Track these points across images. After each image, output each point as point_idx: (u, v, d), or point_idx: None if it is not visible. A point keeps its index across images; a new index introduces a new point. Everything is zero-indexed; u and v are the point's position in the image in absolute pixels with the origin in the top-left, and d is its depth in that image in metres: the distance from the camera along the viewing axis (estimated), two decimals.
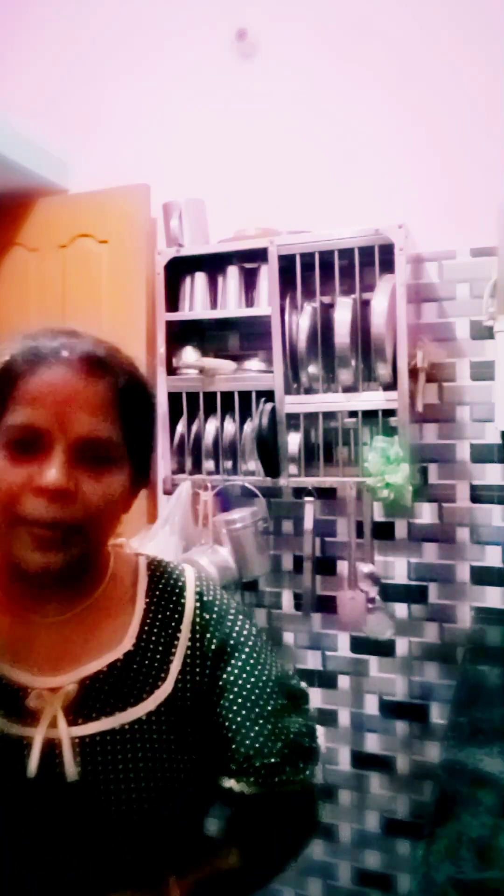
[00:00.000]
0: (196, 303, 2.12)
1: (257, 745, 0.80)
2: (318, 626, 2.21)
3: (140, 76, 2.36)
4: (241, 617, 0.88)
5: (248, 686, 0.83)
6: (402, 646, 2.13)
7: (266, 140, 2.21)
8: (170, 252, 2.09)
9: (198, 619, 0.85)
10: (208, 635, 0.84)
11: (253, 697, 0.82)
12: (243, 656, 0.84)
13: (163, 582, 0.87)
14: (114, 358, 0.78)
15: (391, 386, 1.86)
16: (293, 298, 1.95)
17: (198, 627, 0.84)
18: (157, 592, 0.86)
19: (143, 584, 0.86)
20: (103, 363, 0.76)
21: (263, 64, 2.22)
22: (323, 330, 1.91)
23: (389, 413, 1.88)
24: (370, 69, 2.11)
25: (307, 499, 2.02)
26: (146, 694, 0.79)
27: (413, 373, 1.86)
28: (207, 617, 0.86)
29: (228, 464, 2.06)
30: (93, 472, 0.73)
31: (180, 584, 0.87)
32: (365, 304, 1.87)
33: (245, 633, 0.87)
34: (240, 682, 0.83)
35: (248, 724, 0.81)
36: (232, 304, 2.08)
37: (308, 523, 2.03)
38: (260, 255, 1.99)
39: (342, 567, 2.14)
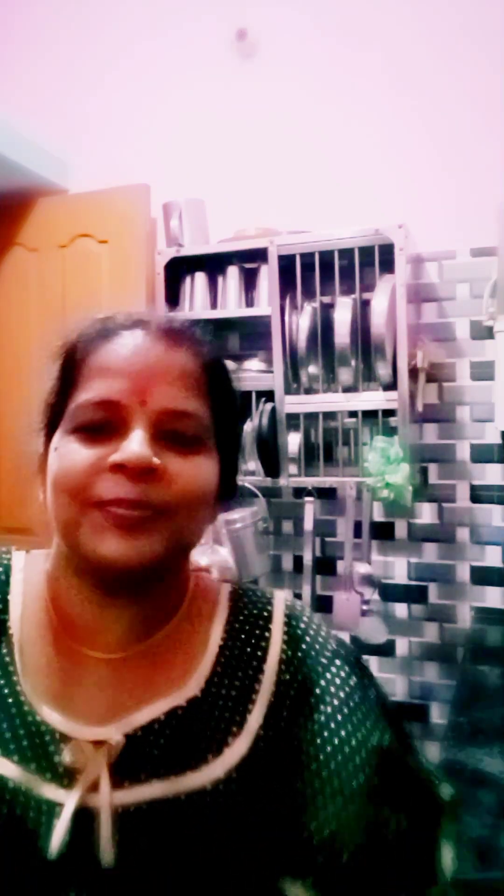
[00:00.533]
0: (196, 303, 2.12)
1: (325, 835, 0.57)
2: None
3: (140, 76, 2.36)
4: (338, 660, 0.67)
5: (328, 749, 0.61)
6: (402, 646, 2.13)
7: (266, 140, 2.21)
8: (170, 252, 2.09)
9: (284, 657, 0.66)
10: (299, 677, 0.65)
11: (332, 766, 0.60)
12: (329, 709, 0.63)
13: (245, 613, 0.70)
14: (195, 330, 0.68)
15: (391, 386, 1.86)
16: (293, 298, 1.95)
17: (284, 667, 0.66)
18: (237, 626, 0.69)
19: (221, 615, 0.69)
20: (184, 332, 0.66)
21: (263, 64, 2.22)
22: (323, 330, 1.91)
23: (389, 413, 1.88)
24: (370, 69, 2.11)
25: (307, 499, 2.02)
26: (213, 754, 0.61)
27: (413, 373, 1.86)
28: (297, 654, 0.67)
29: None
30: (180, 452, 0.61)
31: (265, 613, 0.69)
32: (365, 304, 1.87)
33: (339, 678, 0.65)
34: (317, 741, 0.61)
35: (318, 801, 0.59)
36: (232, 304, 2.08)
37: (308, 523, 2.03)
38: (260, 255, 1.99)
39: (342, 567, 2.14)
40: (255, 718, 0.63)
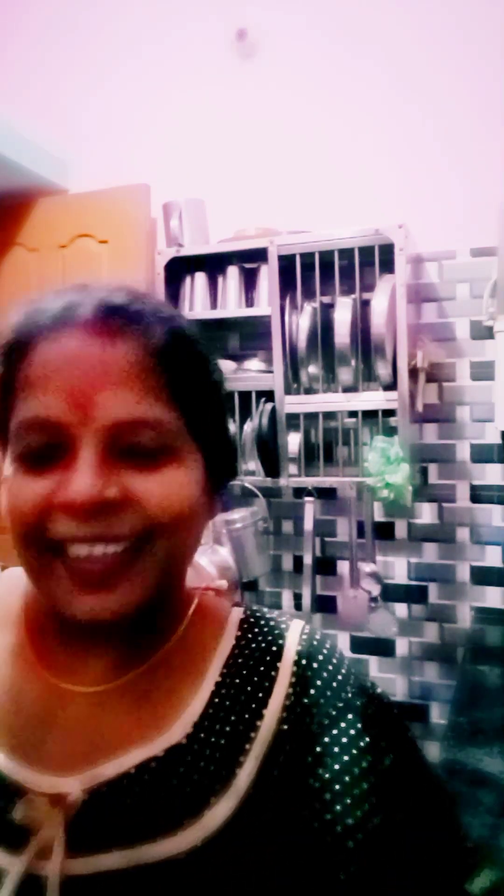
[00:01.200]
0: (196, 303, 2.12)
1: None
2: (319, 627, 2.20)
3: (140, 76, 2.35)
4: (349, 714, 0.55)
5: (318, 827, 0.51)
6: (402, 646, 2.13)
7: (266, 140, 2.21)
8: (170, 252, 2.09)
9: (288, 703, 0.55)
10: (302, 729, 0.54)
11: (322, 847, 0.51)
12: (326, 775, 0.52)
13: (252, 645, 0.58)
14: (143, 305, 0.53)
15: (391, 386, 1.86)
16: (293, 298, 1.95)
17: (286, 714, 0.55)
18: (241, 659, 0.58)
19: (225, 646, 0.59)
20: (128, 313, 0.52)
21: (263, 64, 2.22)
22: (323, 330, 1.91)
23: (389, 413, 1.88)
24: (370, 69, 2.11)
25: (307, 499, 2.02)
26: (190, 818, 0.50)
27: (413, 373, 1.86)
28: (303, 700, 0.55)
29: None
30: (144, 468, 0.50)
31: (275, 648, 0.58)
32: (365, 304, 1.87)
33: (346, 738, 0.54)
34: (309, 813, 0.52)
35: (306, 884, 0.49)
36: (232, 304, 2.08)
37: (308, 523, 2.03)
38: (260, 255, 1.99)
39: (342, 567, 2.14)
40: (245, 774, 0.52)
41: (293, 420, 1.98)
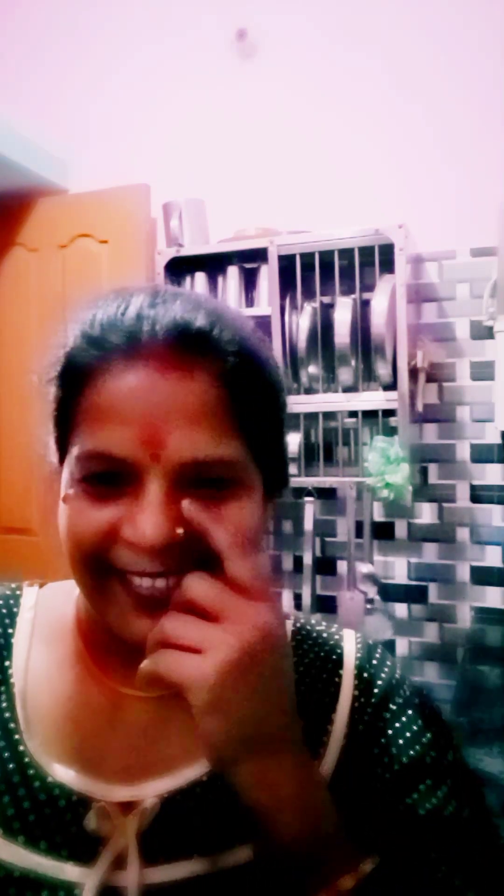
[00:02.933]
0: None
1: None
2: None
3: (140, 76, 2.35)
4: (409, 710, 0.58)
5: (393, 815, 0.52)
6: (402, 646, 2.13)
7: (266, 140, 2.21)
8: (170, 252, 2.09)
9: (357, 705, 0.57)
10: (370, 727, 0.56)
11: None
12: (396, 766, 0.54)
13: (312, 654, 0.60)
14: (222, 328, 0.51)
15: (391, 386, 1.86)
16: (293, 298, 1.95)
17: (357, 717, 0.57)
18: (302, 668, 0.59)
19: None
20: (207, 339, 0.49)
21: (264, 64, 2.22)
22: (323, 330, 1.91)
23: (389, 413, 1.88)
24: (370, 69, 2.11)
25: (307, 499, 2.02)
26: None
27: (413, 373, 1.86)
28: (370, 700, 0.58)
29: None
30: (213, 501, 0.49)
31: (335, 656, 0.60)
32: (365, 304, 1.87)
33: (411, 732, 0.56)
34: (383, 804, 0.53)
35: None
36: (232, 304, 2.07)
37: (308, 523, 2.03)
38: (260, 255, 1.99)
39: (342, 567, 2.14)
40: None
41: (293, 420, 1.98)
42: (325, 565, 2.18)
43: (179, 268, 2.12)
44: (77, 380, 0.50)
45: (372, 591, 1.98)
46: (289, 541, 2.21)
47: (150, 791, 0.51)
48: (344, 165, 2.13)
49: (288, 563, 2.23)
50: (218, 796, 0.51)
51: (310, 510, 2.02)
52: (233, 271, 2.08)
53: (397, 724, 0.57)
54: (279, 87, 2.21)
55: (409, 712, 0.58)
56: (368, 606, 1.95)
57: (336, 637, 0.62)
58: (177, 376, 0.48)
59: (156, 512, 0.47)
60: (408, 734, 0.56)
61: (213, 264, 2.11)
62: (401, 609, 2.12)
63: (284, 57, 2.20)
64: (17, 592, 0.63)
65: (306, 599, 2.04)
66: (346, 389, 1.92)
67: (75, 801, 0.51)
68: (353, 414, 1.94)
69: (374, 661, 0.61)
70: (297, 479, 1.99)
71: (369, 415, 1.92)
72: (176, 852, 0.49)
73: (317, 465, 2.00)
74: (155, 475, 0.47)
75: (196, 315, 0.50)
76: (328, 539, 2.19)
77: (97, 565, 0.49)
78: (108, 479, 0.49)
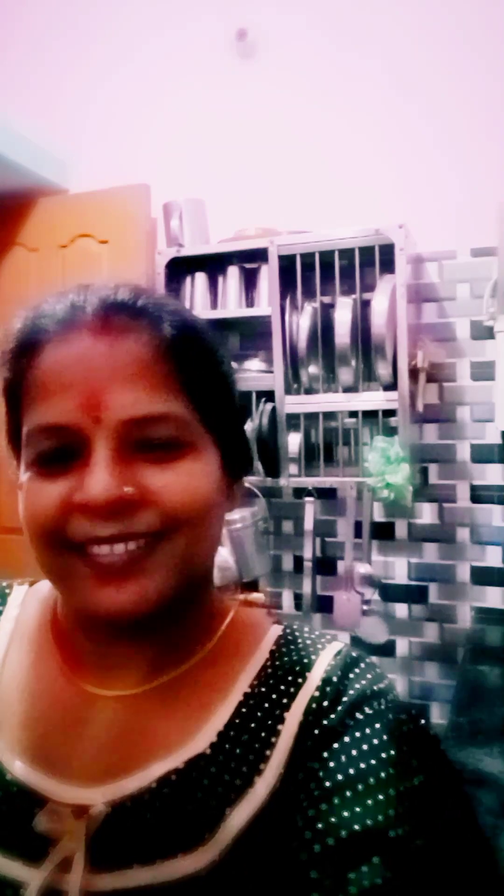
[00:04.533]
0: (196, 303, 2.12)
1: None
2: (318, 627, 2.20)
3: (140, 76, 2.35)
4: (376, 724, 0.52)
5: (321, 827, 0.47)
6: (402, 646, 2.13)
7: (266, 140, 2.21)
8: (170, 252, 2.09)
9: (314, 706, 0.53)
10: (322, 731, 0.52)
11: (320, 851, 0.47)
12: (340, 777, 0.49)
13: (285, 658, 0.57)
14: (147, 300, 0.53)
15: (391, 386, 1.86)
16: (293, 298, 1.95)
17: (312, 718, 0.53)
18: (271, 670, 0.56)
19: (258, 659, 0.57)
20: (133, 309, 0.52)
21: (263, 64, 2.22)
22: (323, 330, 1.91)
23: (390, 413, 1.88)
24: (370, 70, 2.11)
25: (307, 499, 2.02)
26: (210, 832, 0.49)
27: (413, 373, 1.86)
28: (327, 703, 0.53)
29: None
30: (160, 462, 0.50)
31: (306, 660, 0.56)
32: (365, 304, 1.87)
33: (366, 745, 0.51)
34: (316, 815, 0.48)
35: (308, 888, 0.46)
36: (232, 304, 2.08)
37: (308, 523, 2.03)
38: (260, 255, 1.99)
39: (342, 567, 2.14)
40: (263, 783, 0.50)
41: (293, 420, 1.98)
42: (325, 565, 2.18)
43: (180, 268, 2.12)
44: (20, 366, 0.53)
45: (369, 593, 1.98)
46: (289, 541, 2.21)
47: (104, 795, 0.50)
48: (344, 165, 2.13)
49: (288, 563, 2.23)
50: (165, 804, 0.50)
51: (310, 510, 2.02)
52: (233, 271, 2.08)
53: (357, 734, 0.51)
54: (279, 86, 2.21)
55: (376, 725, 0.52)
56: (365, 608, 1.95)
57: (318, 646, 0.58)
58: (109, 341, 0.50)
59: (103, 471, 0.48)
60: (364, 746, 0.51)
61: (214, 264, 2.11)
62: (401, 609, 2.12)
63: (284, 57, 2.20)
64: (6, 591, 0.64)
65: (307, 599, 2.04)
66: (347, 389, 1.92)
67: (32, 800, 0.51)
68: (353, 414, 1.94)
69: (350, 675, 0.55)
70: (298, 479, 1.99)
71: (369, 415, 1.92)
72: (120, 860, 0.48)
73: (317, 465, 2.00)
74: (100, 438, 0.49)
75: (122, 290, 0.53)
76: (328, 539, 2.19)
77: (55, 542, 0.50)
78: (58, 457, 0.50)
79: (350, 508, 1.98)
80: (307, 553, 2.03)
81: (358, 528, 1.99)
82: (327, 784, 0.49)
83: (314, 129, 2.17)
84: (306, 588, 2.05)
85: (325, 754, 0.51)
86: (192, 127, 2.29)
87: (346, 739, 0.51)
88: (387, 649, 2.12)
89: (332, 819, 0.47)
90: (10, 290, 2.38)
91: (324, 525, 2.17)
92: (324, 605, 2.10)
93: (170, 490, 0.50)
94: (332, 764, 0.50)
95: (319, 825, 0.48)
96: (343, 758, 0.50)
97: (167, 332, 0.51)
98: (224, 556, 1.99)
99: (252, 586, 2.24)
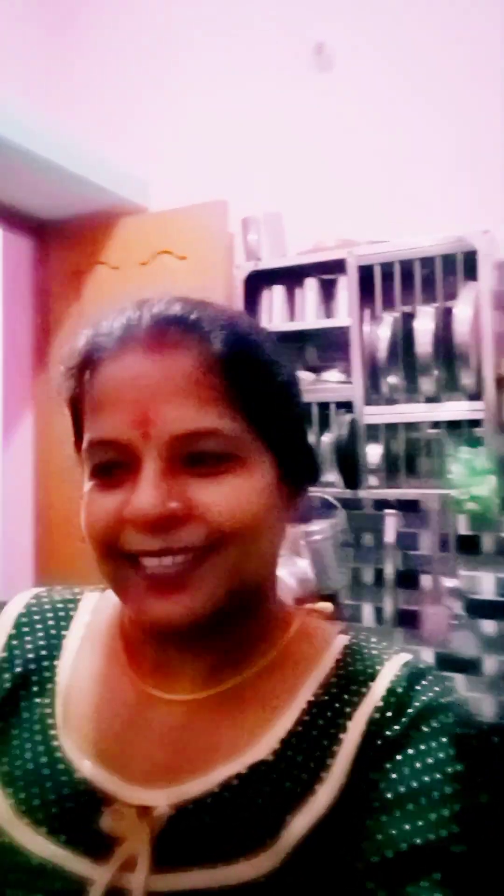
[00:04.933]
0: (274, 315, 2.13)
1: None
2: (400, 642, 2.16)
3: (216, 93, 2.40)
4: (442, 738, 0.52)
5: (381, 839, 0.48)
6: (490, 664, 2.05)
7: (343, 152, 2.21)
8: (248, 266, 2.11)
9: (377, 716, 0.53)
10: (384, 743, 0.52)
11: (380, 862, 0.48)
12: (402, 788, 0.50)
13: (350, 668, 0.57)
14: (200, 314, 0.53)
15: (476, 396, 1.81)
16: (372, 309, 1.93)
17: (374, 728, 0.53)
18: (335, 679, 0.56)
19: (323, 668, 0.57)
20: (182, 324, 0.52)
21: (340, 77, 2.22)
22: (404, 339, 1.88)
23: (475, 423, 1.83)
24: (448, 76, 2.07)
25: (388, 511, 1.98)
26: (272, 837, 0.49)
27: (499, 382, 1.81)
28: (390, 715, 0.53)
29: None
30: (209, 478, 0.51)
31: (370, 671, 0.56)
32: (447, 312, 1.83)
33: (430, 760, 0.51)
34: (375, 826, 0.49)
35: None
36: (310, 316, 2.08)
37: (389, 536, 1.99)
38: (338, 266, 1.98)
39: (425, 581, 2.09)
40: (325, 792, 0.50)
41: (373, 431, 1.95)
42: (407, 579, 2.13)
43: (257, 281, 2.14)
44: (82, 380, 0.54)
45: (456, 606, 1.92)
46: (369, 553, 2.18)
47: (167, 797, 0.51)
48: (422, 174, 2.10)
49: (368, 576, 2.20)
50: (227, 808, 0.50)
51: (391, 522, 1.98)
52: (311, 283, 2.08)
53: (421, 747, 0.51)
54: (355, 98, 2.20)
55: (441, 739, 0.52)
56: (454, 622, 1.90)
57: (384, 656, 0.58)
58: (159, 358, 0.51)
59: (149, 486, 0.49)
60: (428, 759, 0.50)
61: (292, 277, 2.11)
62: (488, 626, 2.04)
63: (361, 68, 2.19)
64: (78, 597, 0.66)
65: (388, 613, 2.01)
66: (429, 399, 1.88)
67: (98, 799, 0.52)
68: (435, 424, 1.90)
69: (417, 686, 0.54)
70: (378, 491, 1.96)
71: (453, 425, 1.87)
72: (182, 862, 0.49)
73: (398, 476, 1.97)
74: (149, 454, 0.50)
75: (174, 305, 0.54)
76: (410, 552, 2.14)
77: (112, 552, 0.52)
78: (113, 470, 0.52)
79: (434, 521, 1.93)
80: (388, 566, 2.00)
81: (442, 541, 1.94)
82: (388, 796, 0.49)
83: (391, 140, 2.15)
84: (387, 602, 2.01)
85: (388, 765, 0.51)
86: (269, 141, 2.31)
87: (410, 752, 0.51)
88: (474, 667, 2.06)
89: (392, 831, 0.48)
90: (93, 308, 2.45)
91: (405, 538, 2.12)
92: (406, 619, 2.06)
93: (216, 505, 0.50)
94: (394, 776, 0.50)
95: (378, 836, 0.48)
96: (406, 770, 0.50)
97: (217, 346, 0.51)
98: (303, 567, 1.98)
99: (331, 598, 2.22)
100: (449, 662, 2.08)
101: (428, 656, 2.12)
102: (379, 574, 2.11)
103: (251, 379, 0.53)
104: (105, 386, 0.52)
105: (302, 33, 2.24)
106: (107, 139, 2.43)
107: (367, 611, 2.21)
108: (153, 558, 0.50)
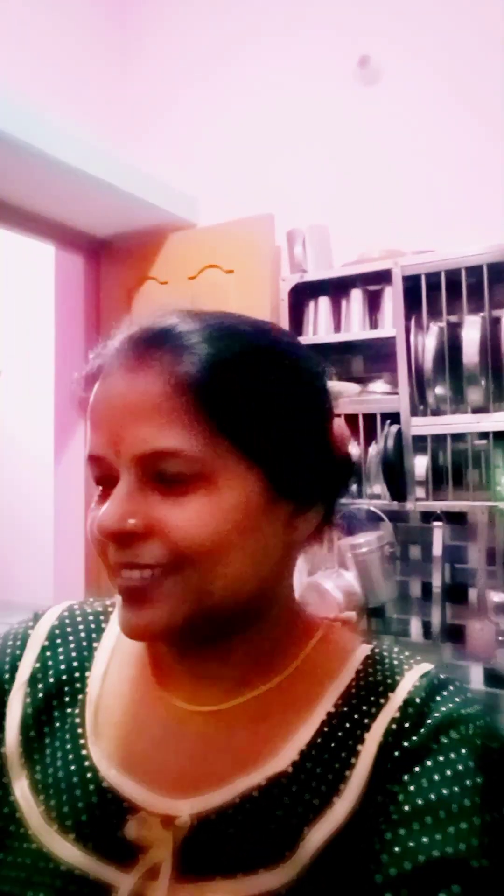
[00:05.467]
0: (320, 327, 2.13)
1: None
2: (448, 657, 2.11)
3: (262, 106, 2.43)
4: (463, 750, 0.51)
5: (398, 851, 0.48)
6: None
7: (388, 162, 2.21)
8: (294, 278, 2.13)
9: (394, 727, 0.53)
10: (403, 753, 0.52)
11: (395, 874, 0.47)
12: (419, 801, 0.49)
13: (371, 679, 0.57)
14: (184, 327, 0.53)
15: None
16: (418, 318, 1.92)
17: (392, 739, 0.52)
18: (355, 690, 0.56)
19: (344, 678, 0.57)
20: (161, 341, 0.52)
21: (386, 90, 2.22)
22: (450, 349, 1.86)
23: None
24: (491, 87, 2.05)
25: (435, 523, 1.96)
26: (290, 850, 0.50)
27: None
28: (409, 725, 0.53)
29: (353, 487, 2.04)
30: (173, 497, 0.50)
31: (391, 679, 0.56)
32: (495, 321, 1.80)
33: (449, 772, 0.50)
34: (392, 838, 0.48)
35: None
36: (356, 327, 2.07)
37: (437, 549, 1.96)
38: (384, 276, 1.98)
39: (474, 595, 2.04)
40: (343, 803, 0.50)
41: (420, 442, 1.93)
42: (455, 593, 2.09)
43: (303, 293, 2.15)
44: (86, 392, 0.56)
45: None
46: (416, 566, 2.15)
47: (191, 807, 0.52)
48: (468, 182, 2.08)
49: (416, 590, 2.17)
50: (248, 819, 0.51)
51: (438, 535, 1.95)
52: (356, 294, 2.08)
53: (440, 758, 0.50)
54: (400, 110, 2.20)
55: (462, 750, 0.51)
56: (501, 638, 1.85)
57: (405, 666, 0.57)
58: (132, 377, 0.51)
59: (114, 503, 0.50)
60: (447, 771, 0.50)
61: (337, 288, 2.12)
62: None
63: (406, 81, 2.19)
64: (110, 609, 0.67)
65: (436, 628, 1.97)
66: (476, 410, 1.85)
67: (124, 807, 0.53)
68: (483, 435, 1.87)
69: (437, 697, 0.54)
70: (425, 503, 1.93)
71: (500, 436, 1.83)
72: (204, 872, 0.50)
73: (445, 488, 1.94)
74: (123, 471, 0.51)
75: (160, 320, 0.54)
76: (458, 565, 2.10)
77: (103, 561, 0.54)
78: (103, 485, 0.54)
79: (482, 534, 1.89)
80: (436, 580, 1.96)
81: (490, 554, 1.90)
82: (406, 808, 0.49)
83: (437, 150, 2.14)
84: (435, 616, 1.97)
85: (406, 777, 0.50)
86: (315, 154, 2.33)
87: (429, 763, 0.51)
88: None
89: (411, 844, 0.47)
90: None
91: (453, 551, 2.08)
92: (454, 633, 2.02)
93: (176, 524, 0.50)
94: (412, 787, 0.50)
95: (396, 849, 0.48)
96: (425, 782, 0.50)
97: (188, 365, 0.51)
98: (349, 580, 1.97)
99: (378, 612, 2.19)
100: (497, 679, 2.03)
101: (476, 673, 2.08)
102: (426, 587, 2.08)
103: (228, 396, 0.51)
104: (94, 403, 0.54)
105: (347, 47, 2.25)
106: (155, 156, 2.49)
107: (415, 625, 2.18)
108: (125, 570, 0.52)
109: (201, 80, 2.57)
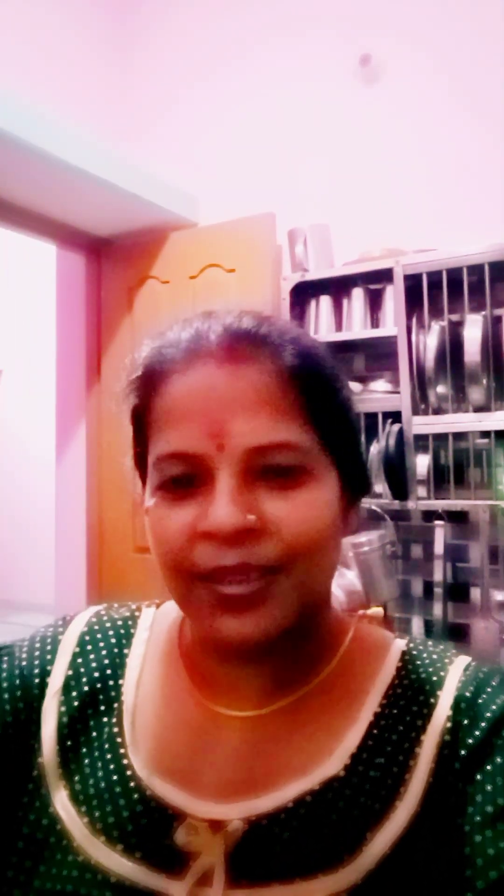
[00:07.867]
0: (321, 326, 2.13)
1: None
2: None
3: (263, 105, 2.43)
4: None
5: (480, 862, 0.47)
6: None
7: (389, 161, 2.21)
8: (295, 277, 2.13)
9: (450, 725, 0.52)
10: (466, 752, 0.51)
11: (478, 885, 0.46)
12: (490, 808, 0.49)
13: (413, 676, 0.56)
14: (269, 327, 0.53)
15: None
16: (420, 317, 1.92)
17: (450, 738, 0.52)
18: (400, 690, 0.55)
19: (384, 677, 0.56)
20: (255, 337, 0.52)
21: (386, 88, 2.22)
22: (452, 348, 1.86)
23: None
24: (492, 86, 2.05)
25: (437, 522, 1.96)
26: (349, 854, 0.49)
27: None
28: (466, 723, 0.52)
29: None
30: (281, 491, 0.50)
31: (435, 678, 0.56)
32: (496, 320, 1.80)
33: None
34: (469, 846, 0.48)
35: None
36: (357, 326, 2.07)
37: (438, 548, 1.96)
38: (385, 275, 1.98)
39: (475, 594, 2.05)
40: (404, 808, 0.50)
41: (421, 441, 1.93)
42: (457, 592, 2.09)
43: (304, 292, 2.15)
44: (147, 394, 0.54)
45: None
46: (418, 565, 2.15)
47: (239, 812, 0.51)
48: (469, 181, 2.08)
49: (417, 589, 2.17)
50: (303, 824, 0.50)
51: (440, 534, 1.95)
52: (357, 293, 2.08)
53: (498, 759, 0.50)
54: (401, 109, 2.20)
55: None
56: (503, 636, 1.85)
57: (445, 661, 0.57)
58: (232, 370, 0.50)
59: (227, 499, 0.48)
60: (491, 757, 0.50)
61: (338, 287, 2.12)
62: None
63: (407, 80, 2.19)
64: (136, 613, 0.65)
65: (437, 626, 1.97)
66: (478, 409, 1.85)
67: (170, 815, 0.52)
68: (485, 434, 1.87)
69: (488, 690, 0.53)
70: (427, 502, 1.94)
71: (502, 435, 1.83)
72: (259, 877, 0.49)
73: (447, 487, 1.94)
74: (224, 466, 0.49)
75: (244, 319, 0.54)
76: (460, 564, 2.10)
77: (183, 570, 0.50)
78: (183, 482, 0.51)
79: (483, 532, 1.89)
80: (437, 578, 1.96)
81: (493, 552, 1.90)
82: (478, 819, 0.48)
83: (438, 149, 2.14)
84: (437, 614, 1.97)
85: (479, 777, 0.49)
86: (316, 153, 2.33)
87: (499, 760, 0.50)
88: None
89: (490, 851, 0.46)
90: (144, 321, 2.51)
91: (455, 549, 2.08)
92: (456, 632, 2.02)
93: (290, 520, 0.49)
94: (489, 787, 0.49)
95: (479, 861, 0.46)
96: (489, 786, 0.49)
97: (289, 359, 0.51)
98: (351, 579, 1.96)
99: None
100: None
101: None
102: (428, 586, 2.08)
103: (320, 392, 0.53)
104: (176, 398, 0.51)
105: (348, 46, 2.25)
106: (156, 155, 2.49)
107: (416, 624, 2.18)
108: (228, 576, 0.49)
109: (202, 80, 2.56)
